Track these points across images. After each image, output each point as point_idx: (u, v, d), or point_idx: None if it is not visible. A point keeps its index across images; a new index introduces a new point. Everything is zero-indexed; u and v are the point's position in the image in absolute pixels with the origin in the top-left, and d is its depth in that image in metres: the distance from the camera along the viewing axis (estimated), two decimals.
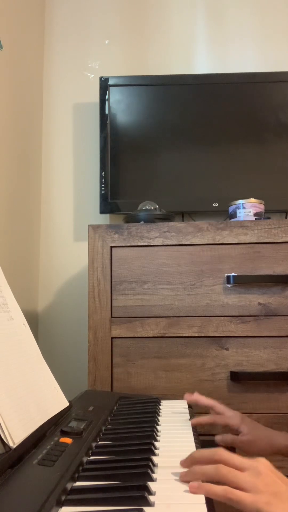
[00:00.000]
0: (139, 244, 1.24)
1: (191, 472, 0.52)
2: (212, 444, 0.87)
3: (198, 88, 1.71)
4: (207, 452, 0.54)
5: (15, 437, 0.56)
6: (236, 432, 0.90)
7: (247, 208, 1.33)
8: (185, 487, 0.51)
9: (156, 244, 1.24)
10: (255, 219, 1.31)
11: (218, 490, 0.49)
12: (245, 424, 0.89)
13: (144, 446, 0.63)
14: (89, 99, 1.83)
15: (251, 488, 0.49)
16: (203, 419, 0.88)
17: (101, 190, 1.68)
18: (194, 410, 0.95)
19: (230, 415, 0.90)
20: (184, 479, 0.52)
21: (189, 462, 0.56)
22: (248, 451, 0.87)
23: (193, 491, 0.49)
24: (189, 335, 1.21)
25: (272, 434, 0.90)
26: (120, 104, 1.71)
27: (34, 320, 1.74)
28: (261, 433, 0.89)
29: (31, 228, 1.71)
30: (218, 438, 0.89)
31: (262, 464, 0.52)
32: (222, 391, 1.19)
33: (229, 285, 1.22)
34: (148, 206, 1.43)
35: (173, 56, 1.84)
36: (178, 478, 0.53)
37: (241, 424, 0.89)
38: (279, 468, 0.54)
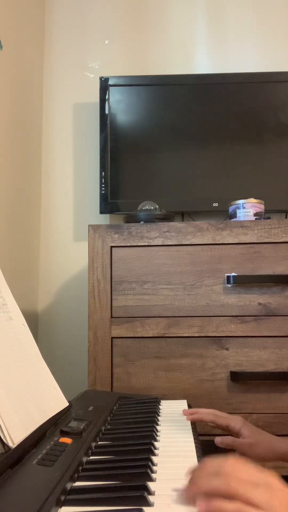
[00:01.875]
0: (139, 244, 1.24)
1: (196, 486, 0.47)
2: (212, 444, 0.86)
3: (198, 88, 1.71)
4: (215, 464, 0.49)
5: (15, 437, 0.56)
6: (236, 435, 0.89)
7: (247, 208, 1.33)
8: None
9: (156, 244, 1.24)
10: (255, 219, 1.31)
11: (230, 508, 0.44)
12: (246, 428, 0.88)
13: (143, 446, 0.63)
14: (89, 99, 1.83)
15: (266, 506, 0.44)
16: (204, 416, 0.88)
17: (101, 190, 1.68)
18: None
19: (231, 418, 0.90)
20: (188, 493, 0.47)
21: (194, 473, 0.50)
22: (248, 454, 0.86)
23: (202, 510, 0.44)
24: (189, 335, 1.21)
25: (273, 439, 0.88)
26: (120, 104, 1.71)
27: (34, 320, 1.74)
28: (262, 437, 0.88)
29: (31, 228, 1.71)
30: (218, 440, 0.87)
31: (274, 478, 0.48)
32: (222, 391, 1.19)
33: (229, 285, 1.22)
34: (148, 206, 1.43)
35: (173, 56, 1.84)
36: (177, 478, 0.53)
37: (242, 427, 0.88)
38: (278, 468, 0.54)
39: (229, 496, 0.45)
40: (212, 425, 0.90)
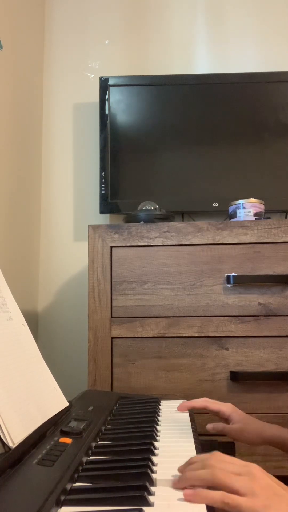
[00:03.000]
0: (139, 244, 1.24)
1: (184, 478, 0.51)
2: (212, 444, 0.87)
3: (198, 88, 1.71)
4: (203, 457, 0.53)
5: (15, 437, 0.56)
6: (226, 420, 0.92)
7: (247, 208, 1.33)
8: None
9: (156, 244, 1.24)
10: (255, 219, 1.31)
11: (215, 495, 0.48)
12: (236, 414, 0.91)
13: (143, 446, 0.63)
14: (89, 99, 1.83)
15: (248, 492, 0.48)
16: (196, 402, 0.92)
17: (101, 190, 1.68)
18: (194, 410, 0.95)
19: (223, 404, 0.93)
20: (177, 486, 0.51)
21: (185, 468, 0.54)
22: (238, 439, 0.89)
23: (188, 499, 0.48)
24: (189, 335, 1.21)
25: (262, 425, 0.91)
26: (120, 104, 1.71)
27: (34, 320, 1.74)
28: (251, 423, 0.91)
29: (31, 228, 1.71)
30: (209, 426, 0.90)
31: (256, 468, 0.51)
32: (222, 391, 1.19)
33: (229, 285, 1.22)
34: (148, 206, 1.43)
35: (173, 56, 1.84)
36: (177, 478, 0.53)
37: (232, 413, 0.91)
38: (278, 468, 0.55)
39: (215, 486, 0.49)
40: (205, 411, 0.94)
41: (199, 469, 0.52)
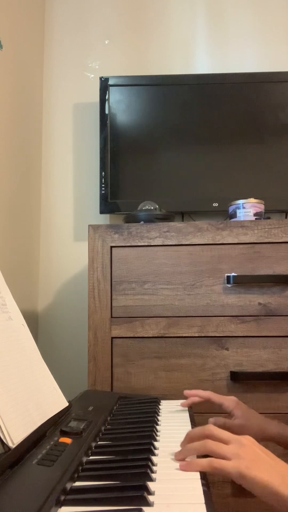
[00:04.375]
0: (139, 244, 1.24)
1: (183, 450, 0.59)
2: None
3: (198, 88, 1.71)
4: (198, 430, 0.61)
5: (15, 437, 0.56)
6: (229, 415, 0.92)
7: (247, 208, 1.33)
8: (184, 487, 0.51)
9: (156, 244, 1.24)
10: (255, 219, 1.31)
11: (203, 462, 0.55)
12: (238, 408, 0.92)
13: (143, 446, 0.63)
14: (89, 99, 1.83)
15: (233, 456, 0.54)
16: (200, 391, 0.94)
17: (101, 190, 1.68)
18: (194, 410, 0.95)
19: (226, 398, 0.94)
20: (178, 457, 0.59)
21: (185, 441, 0.62)
22: (239, 435, 0.89)
23: (183, 469, 0.55)
24: (189, 335, 1.21)
25: (265, 421, 0.92)
26: (120, 104, 1.71)
27: (34, 320, 1.74)
28: (254, 419, 0.92)
29: (31, 228, 1.71)
30: (211, 420, 0.91)
31: (246, 438, 0.58)
32: (222, 391, 1.19)
33: (229, 285, 1.22)
34: (148, 206, 1.43)
35: (173, 56, 1.84)
36: (177, 478, 0.53)
37: (234, 408, 0.92)
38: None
39: (207, 454, 0.56)
40: (205, 411, 0.97)
41: (195, 440, 0.60)
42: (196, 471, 0.54)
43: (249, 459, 0.54)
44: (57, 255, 1.79)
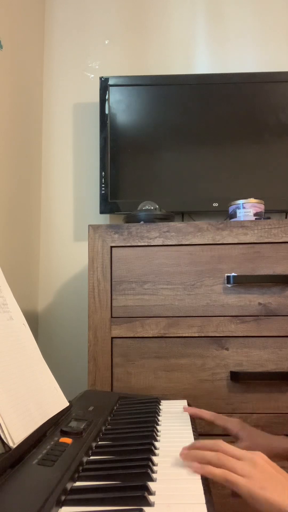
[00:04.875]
0: (139, 244, 1.24)
1: (193, 453, 0.57)
2: None
3: (198, 88, 1.71)
4: (208, 442, 0.59)
5: (15, 437, 0.56)
6: (235, 438, 0.89)
7: (247, 208, 1.33)
8: (185, 487, 0.51)
9: (156, 244, 1.24)
10: (255, 219, 1.31)
11: (218, 472, 0.53)
12: (244, 431, 0.89)
13: (144, 446, 0.63)
14: (89, 99, 1.83)
15: (246, 474, 0.52)
16: (204, 413, 0.90)
17: (101, 190, 1.68)
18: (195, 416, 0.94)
19: (230, 420, 0.90)
20: (186, 458, 0.57)
21: (192, 447, 0.60)
22: None
23: (195, 470, 0.54)
24: (189, 335, 1.21)
25: (271, 439, 0.89)
26: (120, 104, 1.71)
27: (34, 320, 1.74)
28: (259, 439, 0.89)
29: (31, 228, 1.71)
30: None
31: (259, 456, 0.56)
32: (222, 391, 1.19)
33: (229, 285, 1.22)
34: (148, 206, 1.43)
35: (173, 56, 1.84)
36: (177, 478, 0.53)
37: (239, 430, 0.89)
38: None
39: (217, 466, 0.54)
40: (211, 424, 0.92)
41: (206, 450, 0.57)
42: (208, 476, 0.53)
43: (262, 479, 0.52)
44: (57, 255, 1.79)
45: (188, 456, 0.57)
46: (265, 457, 0.56)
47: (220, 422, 0.90)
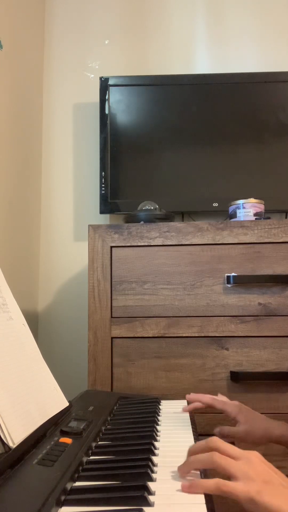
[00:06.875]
0: (139, 244, 1.24)
1: (187, 463, 0.54)
2: None
3: (198, 88, 1.71)
4: (202, 443, 0.56)
5: (15, 437, 0.56)
6: (233, 421, 0.91)
7: (247, 208, 1.33)
8: None
9: (156, 244, 1.24)
10: (255, 219, 1.31)
11: (210, 484, 0.49)
12: (242, 414, 0.90)
13: (144, 446, 0.63)
14: (89, 99, 1.83)
15: (243, 476, 0.50)
16: (203, 397, 0.92)
17: (101, 190, 1.67)
18: (194, 410, 0.95)
19: (228, 403, 0.93)
20: (182, 471, 0.54)
21: (188, 456, 0.57)
22: (244, 441, 0.89)
23: (186, 491, 0.50)
24: (189, 335, 1.21)
25: (269, 423, 0.91)
26: (120, 104, 1.71)
27: (34, 320, 1.74)
28: (258, 422, 0.90)
29: (31, 229, 1.71)
30: (216, 430, 0.91)
31: (254, 455, 0.53)
32: (222, 391, 1.19)
33: (229, 285, 1.22)
34: (148, 206, 1.43)
35: (173, 56, 1.84)
36: (177, 478, 0.53)
37: (238, 414, 0.90)
38: (279, 468, 0.55)
39: (213, 468, 0.52)
40: (206, 410, 0.94)
41: (199, 453, 0.54)
42: (201, 493, 0.49)
43: (260, 481, 0.50)
44: (57, 255, 1.79)
45: (183, 467, 0.54)
46: (261, 457, 0.54)
47: (218, 405, 0.92)
